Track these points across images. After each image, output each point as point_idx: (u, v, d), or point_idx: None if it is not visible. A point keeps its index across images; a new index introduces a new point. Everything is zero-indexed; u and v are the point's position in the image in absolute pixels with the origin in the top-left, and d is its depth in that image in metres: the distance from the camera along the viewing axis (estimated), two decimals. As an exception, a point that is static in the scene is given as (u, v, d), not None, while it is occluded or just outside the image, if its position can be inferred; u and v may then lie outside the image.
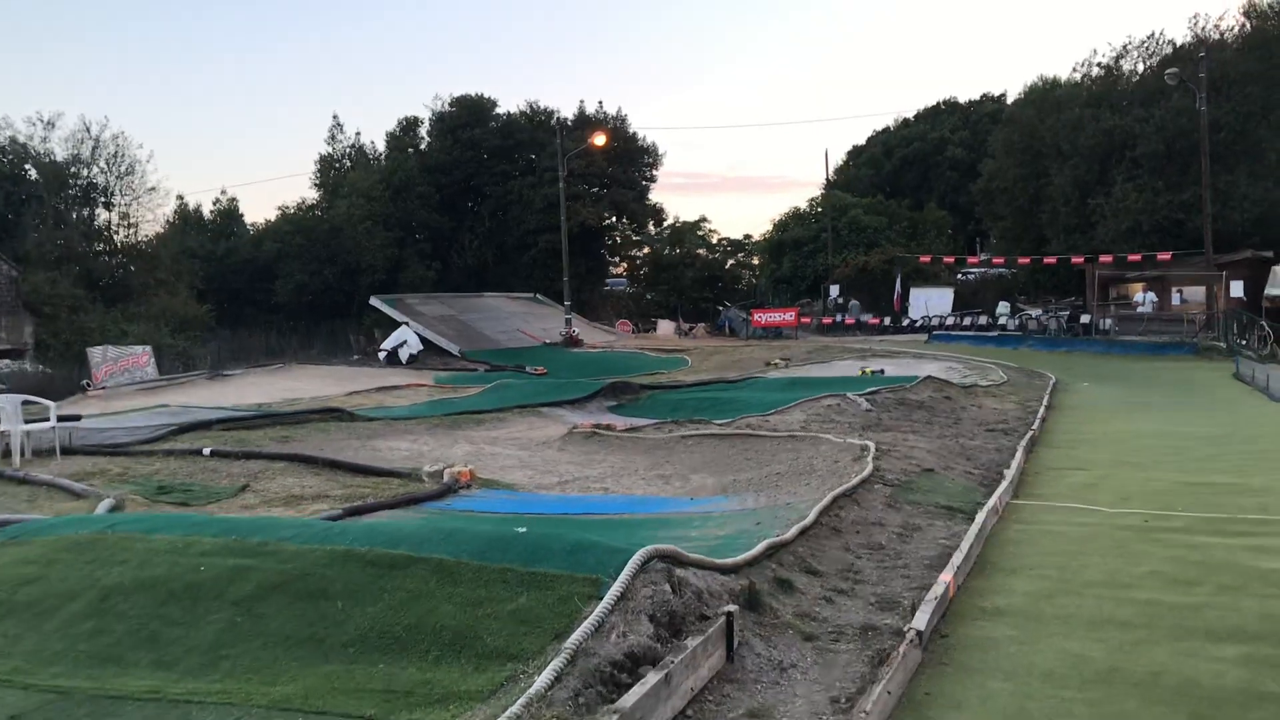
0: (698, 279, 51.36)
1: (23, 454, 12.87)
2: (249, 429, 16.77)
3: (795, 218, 55.46)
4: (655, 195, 55.43)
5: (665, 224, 55.58)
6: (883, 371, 24.85)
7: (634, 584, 5.13)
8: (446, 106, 51.78)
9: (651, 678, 4.46)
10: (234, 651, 4.84)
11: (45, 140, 41.60)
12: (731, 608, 5.48)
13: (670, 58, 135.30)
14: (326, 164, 53.81)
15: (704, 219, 57.09)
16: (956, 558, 7.44)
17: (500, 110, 52.35)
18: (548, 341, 39.55)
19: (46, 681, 4.69)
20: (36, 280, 35.20)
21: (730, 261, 58.86)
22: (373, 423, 18.15)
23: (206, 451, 13.16)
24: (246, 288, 47.24)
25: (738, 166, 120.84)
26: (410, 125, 52.98)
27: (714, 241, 57.84)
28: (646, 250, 55.33)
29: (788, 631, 5.94)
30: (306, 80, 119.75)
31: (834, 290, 47.92)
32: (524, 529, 5.79)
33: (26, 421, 13.36)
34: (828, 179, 54.55)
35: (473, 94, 51.93)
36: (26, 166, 41.56)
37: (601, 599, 4.93)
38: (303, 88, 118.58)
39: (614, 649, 4.59)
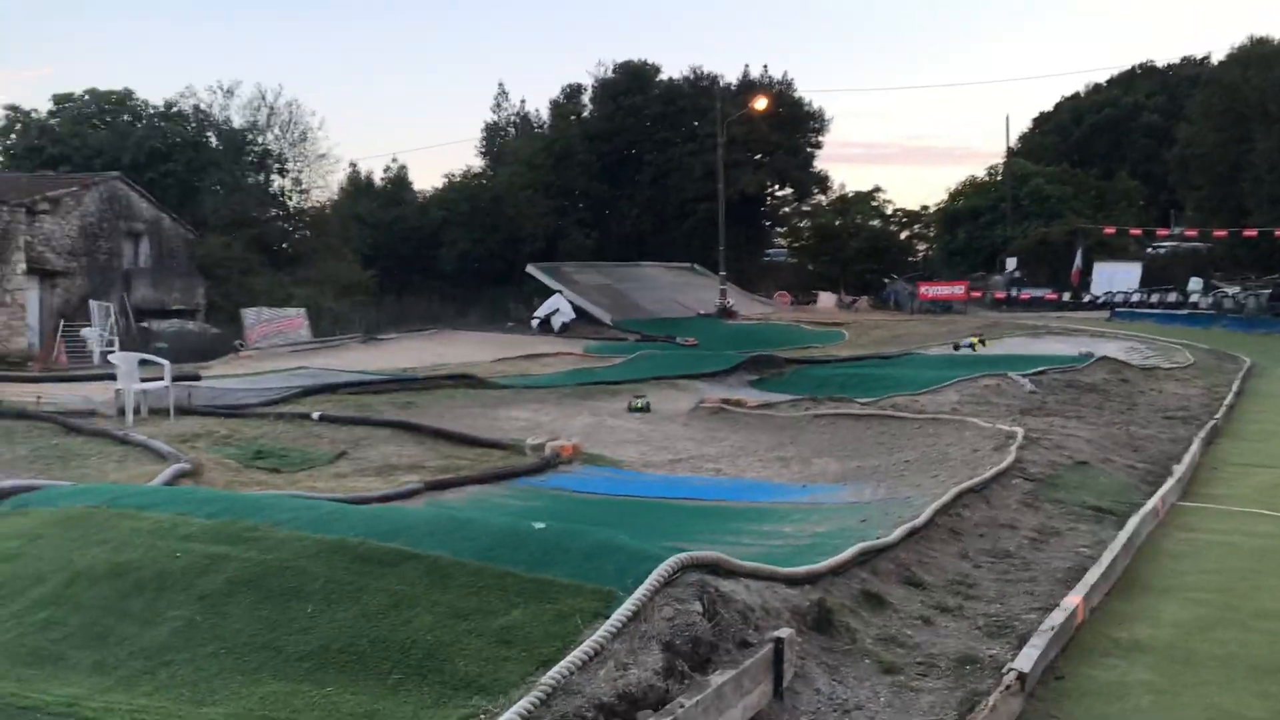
0: (863, 250, 49.35)
1: (138, 412, 12.83)
2: (375, 394, 16.52)
3: (972, 187, 52.73)
4: (827, 165, 53.72)
5: (832, 193, 53.76)
6: (982, 342, 23.83)
7: (653, 601, 4.19)
8: (610, 73, 51.26)
9: (646, 728, 3.53)
10: (180, 657, 4.16)
11: (225, 108, 43.23)
12: (785, 632, 4.47)
13: (841, 21, 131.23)
14: (492, 132, 54.24)
15: (878, 189, 54.94)
16: (1093, 573, 6.20)
17: (663, 76, 51.55)
18: (702, 312, 38.68)
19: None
20: (211, 244, 36.48)
21: (905, 233, 56.55)
22: (502, 391, 17.73)
23: (315, 416, 12.86)
24: (413, 254, 47.98)
25: (918, 137, 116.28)
26: (574, 92, 52.74)
27: (889, 212, 55.72)
28: (810, 220, 53.60)
29: (864, 661, 4.90)
30: (475, 48, 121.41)
31: (1010, 263, 45.29)
32: (542, 524, 4.91)
33: (144, 380, 13.37)
34: (1009, 146, 51.61)
35: (636, 60, 51.30)
36: (207, 133, 43.15)
37: (609, 618, 4.02)
38: (471, 56, 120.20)
39: (605, 687, 3.67)
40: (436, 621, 4.16)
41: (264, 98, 42.77)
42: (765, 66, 52.39)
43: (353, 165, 53.01)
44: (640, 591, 4.16)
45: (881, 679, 4.74)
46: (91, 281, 30.10)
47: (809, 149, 51.47)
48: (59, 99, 42.05)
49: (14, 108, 42.18)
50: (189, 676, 4.03)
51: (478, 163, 54.20)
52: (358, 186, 50.63)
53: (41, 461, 10.36)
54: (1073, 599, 5.63)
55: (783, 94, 49.40)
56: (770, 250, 55.14)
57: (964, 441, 11.28)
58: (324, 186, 45.28)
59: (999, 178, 51.62)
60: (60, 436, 11.86)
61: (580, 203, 49.46)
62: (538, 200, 47.41)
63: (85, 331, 24.31)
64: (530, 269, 40.71)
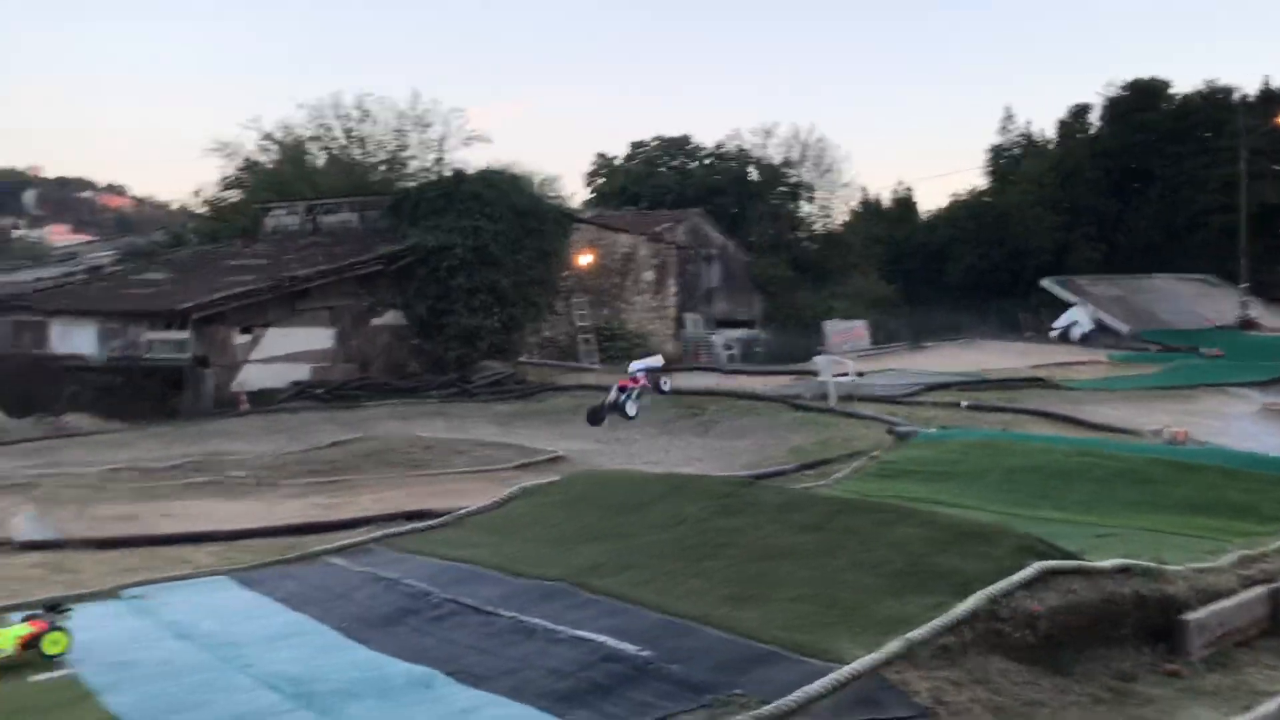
0: None
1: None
2: (974, 391, 20.79)
3: None
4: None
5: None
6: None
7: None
8: (1119, 91, 52.39)
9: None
10: (1099, 505, 8.56)
11: (764, 147, 50.31)
12: None
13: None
14: (996, 153, 57.15)
15: None
16: None
17: (1174, 91, 51.81)
18: (1219, 324, 39.23)
19: (995, 510, 8.76)
20: (761, 265, 43.11)
21: None
22: (1072, 391, 21.30)
23: (964, 404, 17.34)
24: (920, 269, 52.26)
25: None
26: (1080, 112, 54.29)
27: None
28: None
29: None
30: (979, 76, 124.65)
31: None
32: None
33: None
34: None
35: (1145, 77, 51.97)
36: (749, 168, 50.37)
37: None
38: (974, 84, 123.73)
39: (1351, 521, 7.62)
40: (1239, 494, 8.24)
41: (797, 136, 49.37)
42: (1289, 74, 50.72)
43: (864, 189, 58.46)
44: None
45: None
46: (681, 298, 37.37)
47: (1340, 155, 49.24)
48: (634, 145, 51.45)
49: (601, 154, 52.23)
50: (1110, 511, 8.41)
51: (982, 183, 57.55)
52: (868, 209, 55.82)
53: (808, 428, 15.69)
54: None
55: (1310, 101, 47.88)
56: (1295, 260, 53.09)
57: None
58: (844, 211, 51.00)
59: None
60: (790, 412, 17.31)
61: (1085, 217, 51.04)
62: (1044, 216, 49.80)
63: (714, 338, 31.15)
64: (1044, 282, 43.33)
